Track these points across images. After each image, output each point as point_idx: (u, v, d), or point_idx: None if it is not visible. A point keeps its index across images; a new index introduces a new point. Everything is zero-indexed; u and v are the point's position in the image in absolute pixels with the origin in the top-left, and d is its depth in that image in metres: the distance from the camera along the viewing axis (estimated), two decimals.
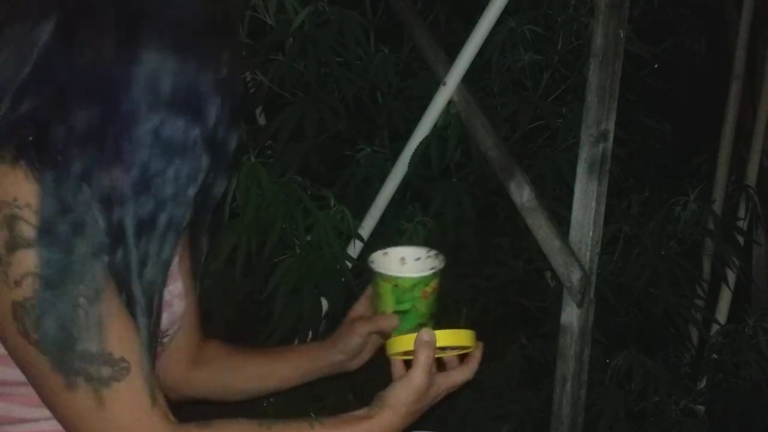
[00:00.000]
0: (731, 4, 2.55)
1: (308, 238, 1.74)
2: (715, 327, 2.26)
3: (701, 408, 2.15)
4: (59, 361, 0.79)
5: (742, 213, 2.41)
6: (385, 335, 1.13)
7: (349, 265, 1.78)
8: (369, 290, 1.21)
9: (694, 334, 2.29)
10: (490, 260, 2.16)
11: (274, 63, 1.84)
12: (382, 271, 1.13)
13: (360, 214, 1.86)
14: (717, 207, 2.29)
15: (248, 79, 1.83)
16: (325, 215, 1.73)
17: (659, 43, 2.34)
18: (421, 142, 1.84)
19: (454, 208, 1.90)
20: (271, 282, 1.71)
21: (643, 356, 2.00)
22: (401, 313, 1.11)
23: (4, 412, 0.86)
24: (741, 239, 2.36)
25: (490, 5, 1.77)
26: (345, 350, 1.21)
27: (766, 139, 2.46)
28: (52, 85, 0.79)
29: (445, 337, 1.00)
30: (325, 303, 1.76)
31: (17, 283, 0.77)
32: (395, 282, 1.11)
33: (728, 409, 2.08)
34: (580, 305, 1.72)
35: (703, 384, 2.18)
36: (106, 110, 0.80)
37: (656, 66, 2.33)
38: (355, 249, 1.84)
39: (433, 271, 1.13)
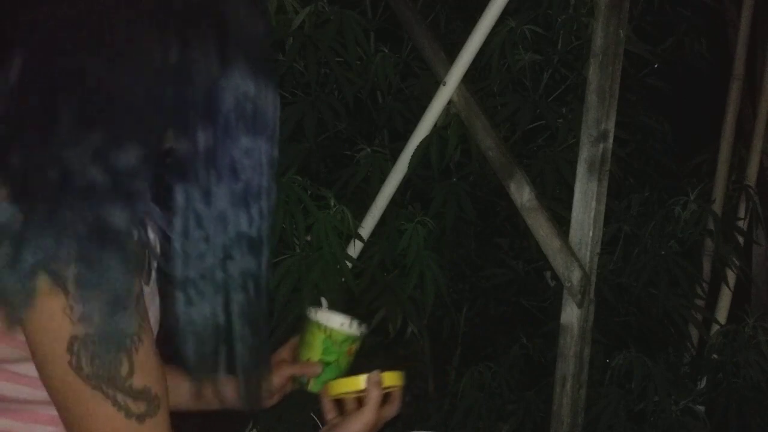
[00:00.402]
0: (731, 4, 2.55)
1: (308, 238, 1.74)
2: (715, 327, 2.26)
3: (701, 408, 2.15)
4: (104, 394, 0.80)
5: (742, 213, 2.41)
6: (302, 381, 1.24)
7: (349, 265, 1.78)
8: (295, 339, 1.28)
9: (694, 334, 2.29)
10: (490, 260, 2.17)
11: (274, 63, 1.84)
12: (318, 320, 1.22)
13: (360, 214, 1.85)
14: (717, 207, 2.29)
15: None
16: (325, 215, 1.73)
17: (659, 43, 2.34)
18: (421, 142, 1.84)
19: (454, 208, 1.90)
20: (271, 282, 1.71)
21: (643, 356, 2.00)
22: (325, 364, 1.21)
23: (6, 428, 0.86)
24: (741, 239, 2.36)
25: (490, 5, 1.77)
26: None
27: (766, 139, 2.46)
28: (184, 106, 0.82)
29: (388, 379, 1.10)
30: (325, 303, 1.76)
31: (82, 319, 0.78)
32: (329, 333, 1.21)
33: (728, 409, 2.08)
34: (580, 305, 1.72)
35: (703, 384, 2.18)
36: (215, 129, 0.83)
37: (656, 66, 2.33)
38: (355, 249, 1.84)
39: (361, 333, 1.23)
